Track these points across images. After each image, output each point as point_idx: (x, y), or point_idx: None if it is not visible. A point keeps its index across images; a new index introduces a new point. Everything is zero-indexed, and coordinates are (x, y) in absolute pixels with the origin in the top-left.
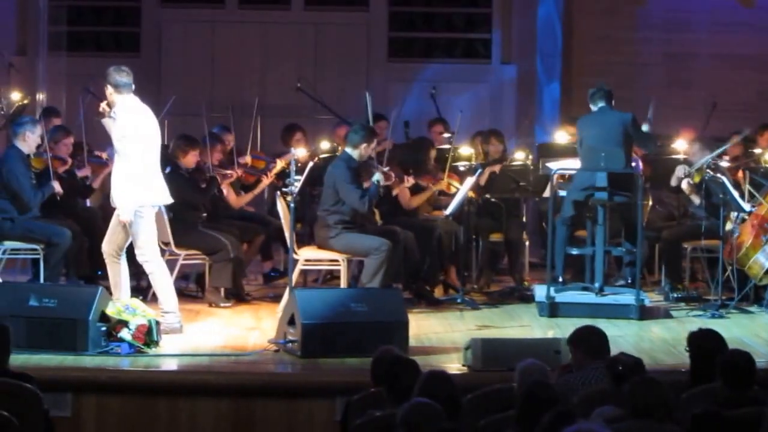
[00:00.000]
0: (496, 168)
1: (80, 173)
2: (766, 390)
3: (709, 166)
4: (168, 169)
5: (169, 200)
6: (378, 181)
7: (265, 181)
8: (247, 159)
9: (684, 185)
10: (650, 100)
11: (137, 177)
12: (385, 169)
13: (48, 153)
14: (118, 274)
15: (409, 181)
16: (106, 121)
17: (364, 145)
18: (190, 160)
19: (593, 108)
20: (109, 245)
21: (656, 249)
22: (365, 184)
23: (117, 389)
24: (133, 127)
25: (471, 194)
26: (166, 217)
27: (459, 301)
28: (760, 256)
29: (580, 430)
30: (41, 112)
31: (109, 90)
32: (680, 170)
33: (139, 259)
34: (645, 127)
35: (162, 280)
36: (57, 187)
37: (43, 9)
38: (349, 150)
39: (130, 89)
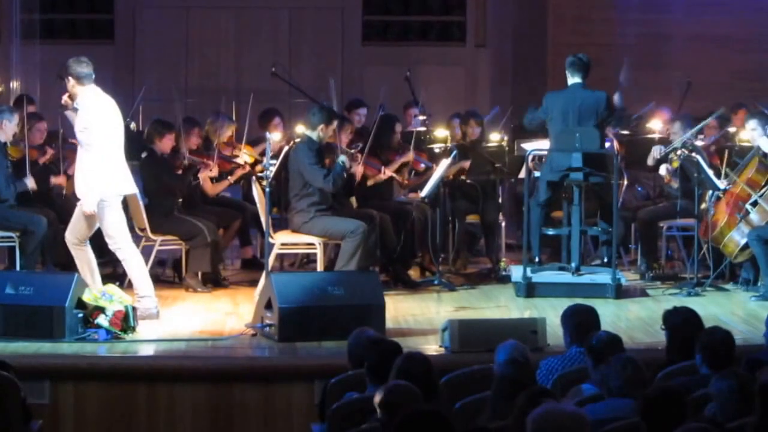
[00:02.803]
0: (466, 165)
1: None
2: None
3: (684, 145)
4: (144, 154)
5: (134, 189)
6: (343, 162)
7: (240, 170)
8: (242, 148)
9: (662, 171)
10: (623, 64)
11: (101, 168)
12: (351, 151)
13: (25, 142)
14: (87, 262)
15: (387, 172)
16: (69, 113)
17: (322, 125)
18: (166, 144)
19: (569, 78)
20: (72, 234)
21: (632, 228)
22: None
23: (95, 376)
24: (95, 117)
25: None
26: (141, 203)
27: (436, 282)
28: (734, 234)
29: (547, 411)
30: (15, 100)
31: (71, 82)
32: (656, 150)
33: (111, 247)
34: (617, 97)
35: (136, 267)
36: (31, 183)
37: None
38: (308, 133)
39: (91, 80)
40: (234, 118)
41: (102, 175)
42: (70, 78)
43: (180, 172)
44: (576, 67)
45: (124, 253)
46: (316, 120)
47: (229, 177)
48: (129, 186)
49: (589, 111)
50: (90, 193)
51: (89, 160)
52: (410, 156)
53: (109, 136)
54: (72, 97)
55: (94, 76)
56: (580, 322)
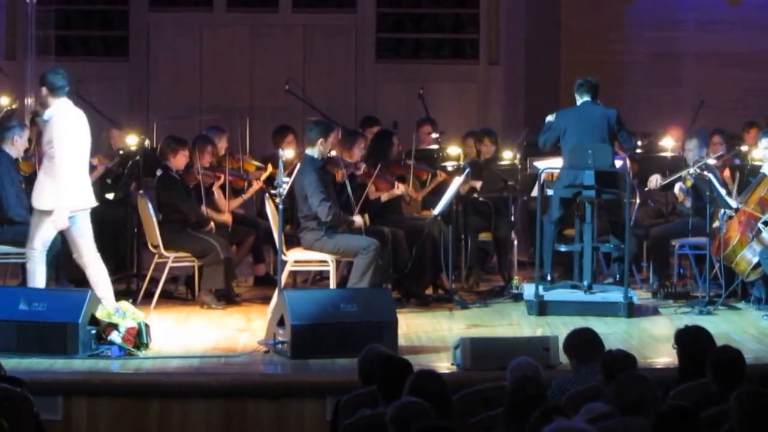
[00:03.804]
0: (477, 185)
1: None
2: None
3: (695, 163)
4: (159, 171)
5: (93, 204)
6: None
7: (255, 186)
8: (245, 162)
9: (676, 190)
10: (638, 98)
11: (65, 181)
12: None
13: (36, 157)
14: (34, 273)
15: (400, 187)
16: (40, 120)
17: (321, 140)
18: (180, 160)
19: (578, 99)
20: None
21: (644, 246)
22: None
23: (107, 392)
24: (60, 131)
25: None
26: (154, 219)
27: (448, 300)
28: (747, 252)
29: (559, 428)
30: (30, 117)
31: (44, 91)
32: (653, 181)
33: (78, 261)
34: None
35: (101, 278)
36: None
37: (31, 13)
38: (309, 151)
39: (65, 92)
40: (247, 134)
41: (67, 189)
42: (43, 88)
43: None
44: (585, 88)
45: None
46: (314, 135)
47: (243, 195)
48: (90, 200)
49: (601, 127)
50: (60, 209)
51: (54, 173)
52: (410, 171)
53: (72, 151)
54: (44, 106)
55: (68, 89)
56: (582, 345)
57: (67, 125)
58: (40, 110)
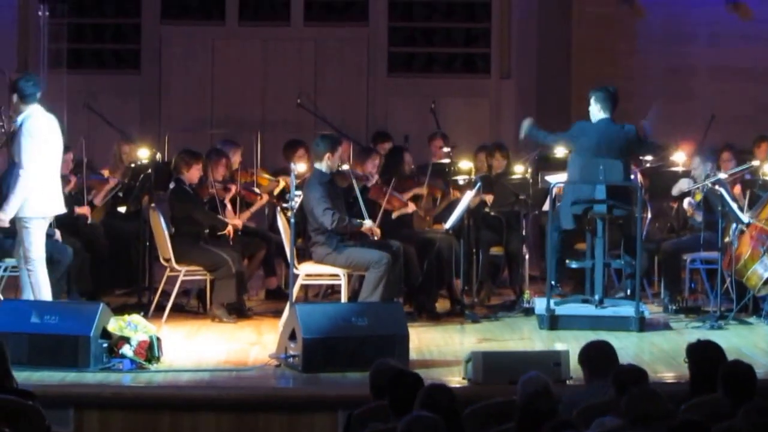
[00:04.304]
0: (488, 199)
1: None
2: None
3: (707, 178)
4: (172, 184)
5: (61, 210)
6: (360, 223)
7: (262, 199)
8: (258, 176)
9: (685, 205)
10: (650, 108)
11: (31, 187)
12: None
13: None
14: (39, 285)
15: (412, 206)
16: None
17: (328, 154)
18: (194, 174)
19: (597, 111)
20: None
21: (655, 261)
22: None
23: (119, 405)
24: (28, 138)
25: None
26: (166, 232)
27: (460, 313)
28: (758, 267)
29: None
30: None
31: (15, 98)
32: (684, 183)
33: (25, 267)
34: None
35: (42, 292)
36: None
37: (43, 26)
38: (317, 165)
39: (36, 99)
40: (259, 148)
41: (31, 195)
42: (15, 94)
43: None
44: (607, 102)
45: (35, 277)
46: (321, 149)
47: (250, 208)
48: (58, 207)
49: (620, 146)
50: (10, 208)
51: (20, 178)
52: (423, 189)
53: (40, 159)
54: (15, 112)
55: (39, 95)
56: (595, 357)
57: (36, 131)
58: (13, 116)
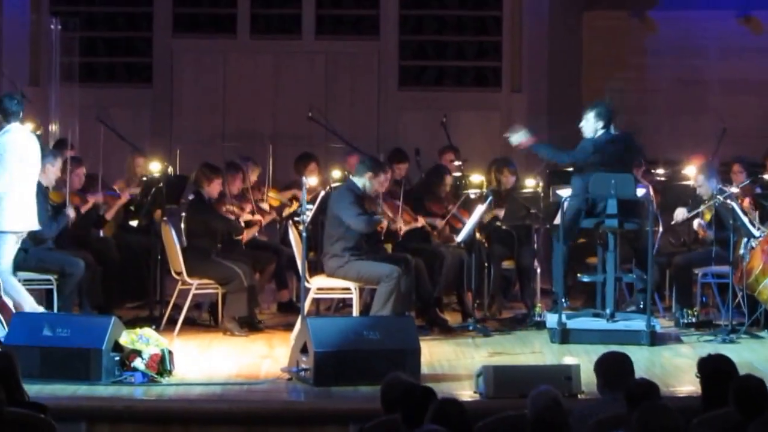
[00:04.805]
0: (500, 213)
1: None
2: None
3: (718, 192)
4: (191, 197)
5: (35, 227)
6: (379, 219)
7: (267, 218)
8: (269, 197)
9: (695, 226)
10: (660, 126)
11: (4, 202)
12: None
13: (67, 188)
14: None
15: (421, 221)
16: None
17: (369, 174)
18: (214, 188)
19: (593, 125)
20: None
21: (667, 275)
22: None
23: (130, 418)
24: (6, 152)
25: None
26: (178, 246)
27: (471, 328)
28: None
29: None
30: (55, 143)
31: None
32: (680, 214)
33: None
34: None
35: (22, 294)
36: (71, 213)
37: (55, 40)
38: (354, 178)
39: (18, 118)
40: (271, 162)
41: (4, 209)
42: None
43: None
44: (608, 117)
45: (10, 285)
46: (364, 168)
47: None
48: (30, 223)
49: (628, 156)
50: None
51: None
52: (441, 223)
53: (16, 173)
54: None
55: (21, 115)
56: (611, 368)
57: (12, 147)
58: None
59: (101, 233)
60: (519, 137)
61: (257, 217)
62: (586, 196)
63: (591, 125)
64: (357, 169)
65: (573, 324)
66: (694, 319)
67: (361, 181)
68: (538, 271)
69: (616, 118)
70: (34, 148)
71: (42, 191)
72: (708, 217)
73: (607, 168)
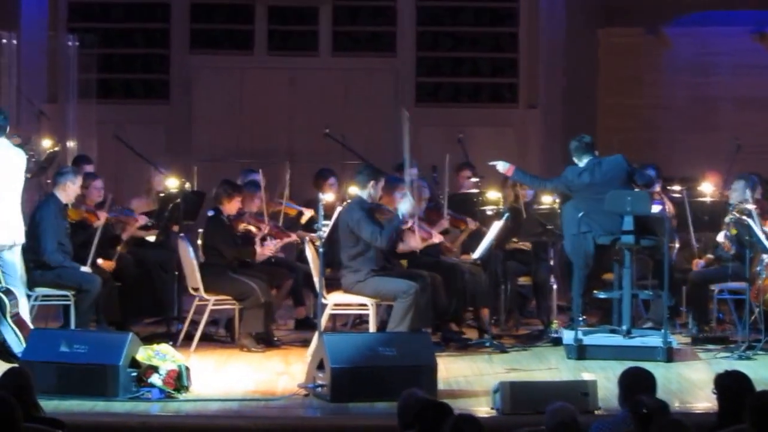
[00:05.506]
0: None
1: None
2: None
3: (735, 208)
4: (210, 213)
5: (21, 240)
6: (403, 215)
7: (291, 237)
8: (286, 208)
9: (720, 238)
10: (674, 142)
11: None
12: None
13: (85, 206)
14: None
15: (437, 237)
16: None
17: (372, 182)
18: (233, 206)
19: (579, 162)
20: None
21: (683, 291)
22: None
23: None
24: None
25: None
26: (195, 262)
27: (487, 344)
28: None
29: None
30: (74, 160)
31: None
32: (721, 236)
33: None
34: None
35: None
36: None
37: (72, 57)
38: (359, 192)
39: (4, 132)
40: (288, 178)
41: None
42: None
43: (239, 241)
44: (582, 149)
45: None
46: (364, 178)
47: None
48: (17, 236)
49: (621, 176)
50: None
51: None
52: (445, 222)
53: (8, 187)
54: None
55: (8, 129)
56: (631, 383)
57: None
58: None
59: (117, 249)
60: (501, 166)
61: (276, 241)
62: (585, 230)
63: (577, 160)
64: (358, 182)
65: (589, 340)
66: (710, 335)
67: (366, 192)
68: (555, 287)
69: (590, 150)
70: (18, 164)
71: (60, 208)
72: (734, 231)
73: (597, 188)
